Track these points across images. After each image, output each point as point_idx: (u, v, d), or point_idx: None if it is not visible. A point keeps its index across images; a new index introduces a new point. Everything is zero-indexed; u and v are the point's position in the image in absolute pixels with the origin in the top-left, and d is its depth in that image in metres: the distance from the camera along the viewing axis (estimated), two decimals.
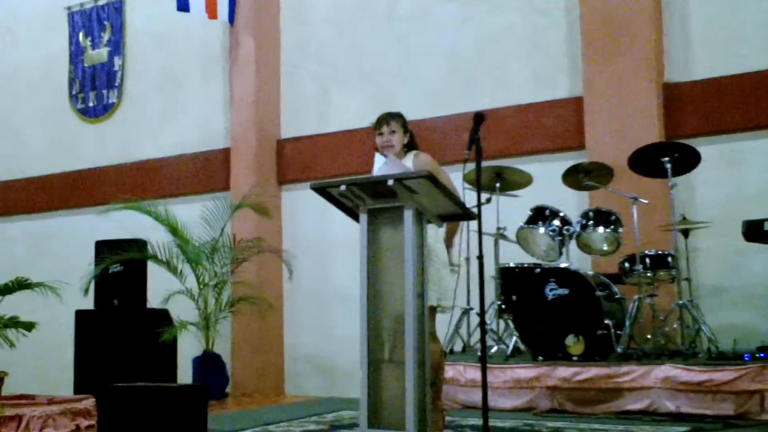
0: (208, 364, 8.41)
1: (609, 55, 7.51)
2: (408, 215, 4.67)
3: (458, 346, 7.24)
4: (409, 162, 5.11)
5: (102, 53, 10.90)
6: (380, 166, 5.06)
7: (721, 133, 7.20)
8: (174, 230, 8.60)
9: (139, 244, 8.35)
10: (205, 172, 9.89)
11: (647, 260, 6.43)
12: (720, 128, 7.20)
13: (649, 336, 6.50)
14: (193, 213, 8.81)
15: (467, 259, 7.06)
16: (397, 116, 5.26)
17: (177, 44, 10.26)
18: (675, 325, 6.47)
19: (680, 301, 6.35)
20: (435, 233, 5.02)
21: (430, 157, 5.23)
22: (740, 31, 7.27)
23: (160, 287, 8.40)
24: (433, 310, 4.95)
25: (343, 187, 4.74)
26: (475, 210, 4.86)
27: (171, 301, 8.32)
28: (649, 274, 6.43)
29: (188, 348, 8.56)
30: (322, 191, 4.92)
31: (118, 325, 8.10)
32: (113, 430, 5.35)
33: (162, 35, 10.39)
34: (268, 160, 9.43)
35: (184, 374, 8.45)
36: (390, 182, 4.59)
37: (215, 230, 8.62)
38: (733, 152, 7.17)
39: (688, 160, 6.54)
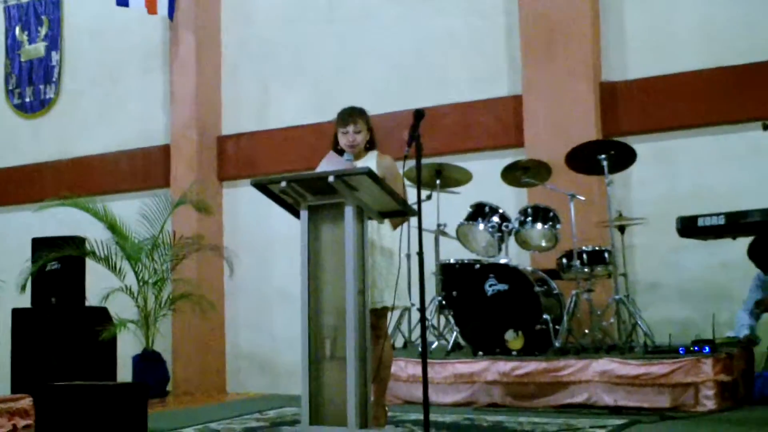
0: (148, 362, 8.34)
1: (547, 55, 7.61)
2: (349, 212, 4.69)
3: (399, 342, 7.27)
4: (372, 161, 5.04)
5: (39, 48, 10.73)
6: (321, 163, 5.06)
7: (656, 132, 7.34)
8: (113, 227, 8.51)
9: (76, 241, 8.24)
10: (144, 168, 9.79)
11: (584, 256, 6.53)
12: (655, 127, 7.34)
13: (586, 331, 6.60)
14: (132, 210, 8.73)
15: (408, 256, 7.11)
16: (362, 114, 5.17)
17: (115, 40, 10.14)
18: (612, 320, 6.58)
19: (617, 297, 6.45)
20: (390, 233, 5.03)
21: (391, 158, 5.19)
22: (674, 33, 7.42)
23: (99, 285, 8.31)
24: (389, 310, 4.96)
25: (283, 184, 4.75)
26: (415, 207, 4.90)
27: (110, 299, 8.22)
28: (586, 270, 6.53)
29: (128, 347, 8.48)
30: (263, 188, 4.92)
31: (56, 323, 7.98)
32: (51, 429, 5.29)
33: (100, 30, 10.26)
34: (209, 156, 9.37)
35: (124, 373, 8.36)
36: (331, 179, 4.61)
37: (155, 227, 8.54)
38: (668, 150, 7.32)
39: (624, 158, 6.65)
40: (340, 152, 5.10)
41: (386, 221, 5.00)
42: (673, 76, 7.32)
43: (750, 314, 6.38)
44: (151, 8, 9.25)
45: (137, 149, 9.83)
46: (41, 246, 8.29)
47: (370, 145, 5.17)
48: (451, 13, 8.36)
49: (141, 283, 8.38)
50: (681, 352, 5.89)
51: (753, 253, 6.15)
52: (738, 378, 6.07)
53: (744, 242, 5.93)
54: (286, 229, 7.84)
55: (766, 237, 5.89)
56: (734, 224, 4.87)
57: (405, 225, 6.12)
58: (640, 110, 7.41)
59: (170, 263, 8.55)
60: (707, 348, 5.82)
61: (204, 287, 8.77)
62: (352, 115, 5.14)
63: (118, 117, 10.04)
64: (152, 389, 7.59)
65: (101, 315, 8.04)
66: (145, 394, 5.54)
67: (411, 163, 4.82)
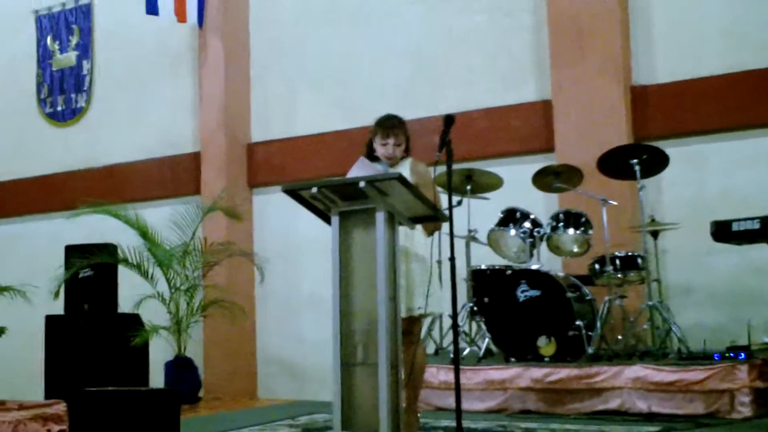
0: (180, 368, 8.38)
1: (576, 57, 7.57)
2: (380, 217, 4.68)
3: (431, 349, 7.25)
4: (406, 169, 5.01)
5: (70, 57, 10.82)
6: (352, 168, 5.05)
7: (687, 135, 7.27)
8: (144, 234, 8.56)
9: (109, 249, 8.29)
10: (174, 175, 9.84)
11: (617, 261, 6.47)
12: (686, 130, 7.27)
13: (619, 337, 6.54)
14: (162, 217, 8.79)
15: (439, 262, 7.07)
16: (403, 125, 5.08)
17: (145, 47, 10.21)
18: (645, 326, 6.53)
19: (650, 302, 6.40)
20: (423, 240, 5.00)
21: (425, 165, 5.15)
22: (704, 35, 7.35)
23: (131, 292, 8.36)
24: (422, 317, 4.96)
25: (314, 189, 4.74)
26: (446, 212, 4.88)
27: (142, 305, 8.27)
28: (619, 276, 6.48)
29: (160, 352, 8.52)
30: (294, 193, 4.92)
31: (89, 329, 8.04)
32: None
33: (130, 38, 10.33)
34: (239, 163, 9.41)
35: (156, 379, 8.40)
36: (362, 184, 4.60)
37: (186, 234, 8.59)
38: (698, 154, 7.25)
39: (656, 162, 6.59)
40: (374, 158, 5.06)
41: (419, 228, 4.97)
42: (703, 80, 7.25)
43: None
44: (181, 16, 9.31)
45: (167, 156, 9.89)
46: (74, 253, 8.35)
47: (405, 153, 5.11)
48: (477, 12, 8.32)
49: (173, 290, 8.43)
50: (716, 358, 5.83)
51: None
52: None
53: None
54: (315, 235, 7.85)
55: None
56: None
57: (436, 231, 6.12)
58: (670, 114, 7.35)
59: (201, 270, 8.58)
60: (742, 354, 5.76)
61: (235, 293, 8.80)
62: (393, 128, 5.03)
63: (148, 124, 10.11)
64: (184, 395, 7.62)
65: (133, 321, 8.08)
66: (178, 400, 5.55)
67: (441, 168, 4.81)
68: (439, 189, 6.36)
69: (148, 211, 9.20)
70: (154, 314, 8.35)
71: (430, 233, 5.04)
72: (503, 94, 8.08)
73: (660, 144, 6.80)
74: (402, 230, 4.84)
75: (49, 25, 11.02)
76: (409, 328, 4.87)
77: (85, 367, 7.76)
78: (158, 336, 8.17)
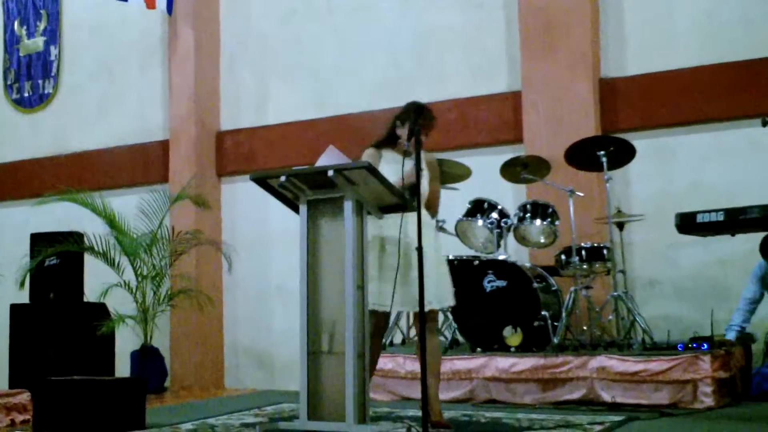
0: (147, 357, 8.34)
1: (546, 50, 7.60)
2: (348, 206, 4.69)
3: (398, 339, 7.27)
4: (422, 157, 4.87)
5: (38, 42, 10.71)
6: (321, 157, 5.04)
7: (655, 128, 7.34)
8: (111, 222, 8.51)
9: (75, 237, 8.22)
10: (143, 163, 9.79)
11: (583, 252, 6.51)
12: (653, 123, 7.34)
13: (585, 327, 6.59)
14: (130, 205, 8.73)
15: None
16: (433, 119, 5.12)
17: (114, 34, 10.13)
18: (610, 317, 6.59)
19: (615, 293, 6.45)
20: (434, 235, 5.12)
21: (433, 156, 5.27)
22: (673, 29, 7.41)
23: (98, 280, 8.29)
24: (435, 312, 5.09)
25: (283, 178, 4.75)
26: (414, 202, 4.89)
27: (108, 294, 8.21)
28: (585, 267, 6.52)
29: (126, 342, 8.48)
30: (262, 182, 4.91)
31: (55, 318, 7.98)
32: (49, 424, 5.29)
33: (99, 25, 10.25)
34: (208, 152, 9.37)
35: (122, 368, 8.36)
36: (330, 173, 4.60)
37: (153, 222, 8.54)
38: (666, 146, 7.32)
39: (623, 154, 6.64)
40: (390, 141, 5.14)
41: (428, 217, 5.08)
42: (672, 73, 7.31)
43: (743, 312, 6.38)
44: (150, 3, 9.24)
45: (136, 144, 9.83)
46: (40, 241, 8.28)
47: None
48: (449, 6, 8.35)
49: (139, 279, 8.38)
50: (679, 348, 5.89)
51: (765, 250, 6.18)
52: (736, 374, 6.07)
53: (743, 239, 5.92)
54: (284, 225, 7.85)
55: None
56: (733, 220, 4.86)
57: (403, 221, 6.12)
58: (638, 106, 7.41)
59: (169, 259, 8.54)
60: (705, 345, 5.82)
61: (202, 283, 8.78)
62: (433, 120, 5.10)
63: (117, 112, 10.04)
64: (150, 384, 7.60)
65: (99, 310, 8.04)
66: (143, 389, 5.54)
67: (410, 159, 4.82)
68: None
69: (115, 199, 9.14)
70: (120, 303, 8.30)
71: (434, 214, 5.27)
72: (474, 87, 8.11)
73: (628, 136, 6.85)
74: (428, 219, 4.99)
75: (17, 10, 10.90)
76: (431, 318, 4.98)
77: (51, 357, 7.71)
78: (125, 325, 8.13)
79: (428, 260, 4.76)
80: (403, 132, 5.05)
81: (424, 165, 4.94)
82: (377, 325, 5.03)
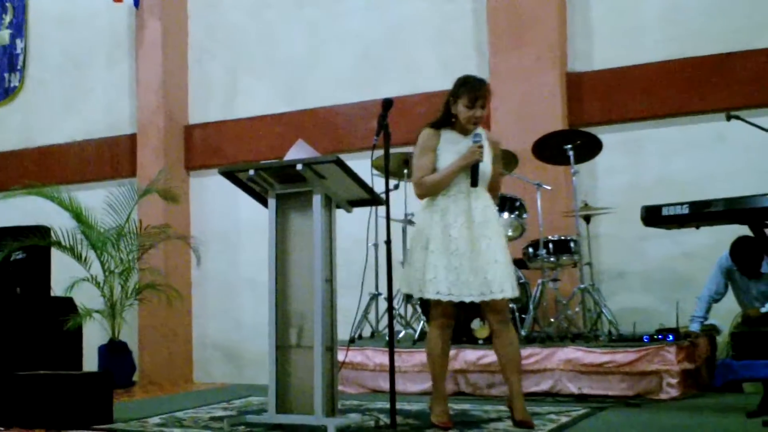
0: (114, 352, 8.29)
1: (514, 44, 7.64)
2: (317, 200, 4.70)
3: (367, 332, 7.29)
4: (485, 137, 4.87)
5: (3, 35, 10.60)
6: (290, 150, 5.04)
7: (622, 122, 7.41)
8: (78, 216, 8.44)
9: (41, 231, 8.15)
10: (110, 157, 9.73)
11: (550, 245, 6.57)
12: (620, 117, 7.42)
13: (552, 319, 6.64)
14: (98, 199, 8.67)
15: (375, 245, 7.13)
16: (489, 90, 4.84)
17: (81, 27, 10.05)
18: (577, 309, 6.64)
19: (582, 285, 6.51)
20: (497, 219, 4.84)
21: (497, 139, 5.06)
22: (640, 22, 7.48)
23: (65, 275, 8.24)
24: (507, 302, 4.79)
25: (251, 172, 4.75)
26: (383, 196, 4.91)
27: (76, 288, 8.14)
28: (552, 259, 6.57)
29: (94, 337, 8.43)
30: (231, 176, 4.92)
31: (21, 313, 7.90)
32: (15, 419, 5.26)
33: (66, 18, 10.17)
34: (176, 145, 9.33)
35: (90, 363, 8.31)
36: (299, 167, 4.61)
37: (121, 217, 8.49)
38: (633, 140, 7.40)
39: (590, 148, 6.69)
40: (446, 123, 4.88)
41: (492, 201, 4.85)
42: (639, 67, 7.39)
43: (706, 304, 6.45)
44: None
45: (103, 138, 9.78)
46: (5, 235, 8.18)
47: None
48: None
49: (107, 273, 8.33)
50: (645, 340, 5.96)
51: (734, 254, 6.26)
52: (701, 365, 6.15)
53: (708, 232, 5.99)
54: (253, 218, 7.85)
55: (747, 238, 5.97)
56: (698, 213, 4.91)
57: (372, 215, 6.13)
58: (606, 100, 7.48)
59: (136, 253, 8.50)
60: (671, 336, 5.89)
61: (171, 277, 8.75)
62: (481, 89, 4.77)
63: (84, 105, 9.97)
64: (118, 379, 7.56)
65: (66, 305, 7.97)
66: (111, 383, 5.52)
67: (379, 152, 4.83)
68: (376, 173, 6.40)
69: (83, 193, 9.09)
70: (88, 298, 8.23)
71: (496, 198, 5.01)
72: (443, 80, 8.07)
73: (596, 130, 6.92)
74: (490, 202, 4.80)
75: None
76: (504, 308, 4.78)
77: (17, 351, 7.63)
78: (92, 320, 8.07)
79: (494, 245, 4.65)
80: (457, 109, 4.79)
81: (486, 146, 4.81)
82: (444, 315, 4.79)
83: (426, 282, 4.65)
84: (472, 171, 4.71)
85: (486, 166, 4.77)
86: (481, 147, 4.70)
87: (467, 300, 4.61)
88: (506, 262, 4.69)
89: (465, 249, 4.63)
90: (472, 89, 4.75)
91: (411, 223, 7.23)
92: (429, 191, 4.78)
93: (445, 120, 4.87)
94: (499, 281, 4.61)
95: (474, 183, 4.70)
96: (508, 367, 4.76)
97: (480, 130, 4.85)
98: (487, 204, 4.77)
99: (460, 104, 4.76)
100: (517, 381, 4.76)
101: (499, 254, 4.66)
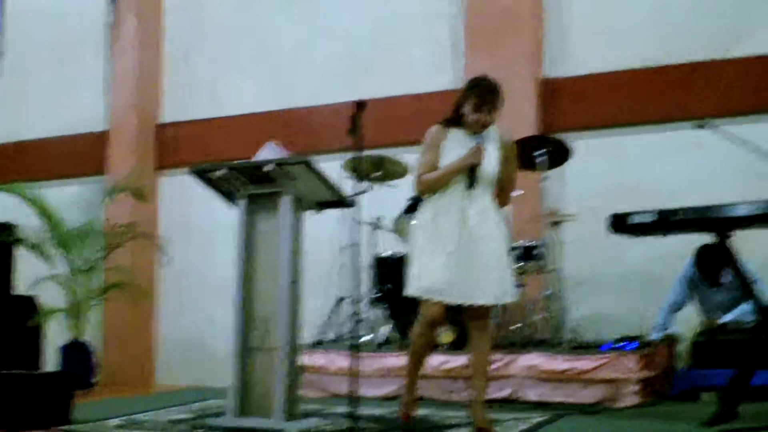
0: (77, 352, 8.20)
1: (490, 47, 7.64)
2: (286, 201, 4.70)
3: (332, 335, 7.28)
4: (493, 138, 4.78)
5: None
6: (260, 151, 5.03)
7: (593, 129, 7.44)
8: (44, 213, 8.37)
9: (5, 227, 8.08)
10: (81, 154, 9.63)
11: (518, 251, 6.59)
12: (591, 123, 7.45)
13: (517, 325, 6.66)
14: (68, 196, 8.63)
15: (344, 248, 7.12)
16: (500, 92, 4.73)
17: (57, 22, 9.96)
18: (542, 315, 6.66)
19: (547, 292, 6.54)
20: (498, 223, 4.76)
21: (510, 136, 4.95)
22: (614, 31, 7.52)
23: (31, 272, 8.16)
24: (490, 309, 4.76)
25: (221, 171, 4.75)
26: (353, 198, 4.91)
27: (41, 287, 8.08)
28: (519, 265, 6.59)
29: (58, 336, 8.36)
30: (201, 175, 4.91)
31: None
32: None
33: (41, 12, 10.07)
34: (147, 144, 9.28)
35: (53, 363, 8.24)
36: (269, 167, 4.60)
37: (89, 214, 8.42)
38: (603, 147, 7.41)
39: (560, 155, 6.72)
40: (456, 122, 4.79)
41: (494, 204, 4.79)
42: (611, 74, 7.43)
43: (668, 313, 6.51)
44: None
45: (74, 135, 9.67)
46: None
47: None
48: None
49: (72, 272, 8.26)
50: (606, 348, 5.99)
51: (699, 259, 6.32)
52: (661, 374, 6.20)
53: (675, 240, 6.04)
54: (222, 219, 7.78)
55: (710, 247, 6.02)
56: (665, 222, 4.95)
57: (341, 217, 6.14)
58: (580, 106, 7.51)
59: (103, 251, 8.43)
60: (632, 344, 5.93)
61: (137, 276, 8.68)
62: (491, 94, 4.69)
63: (57, 101, 9.87)
64: (80, 379, 7.49)
65: (28, 303, 7.90)
66: (71, 384, 5.47)
67: (350, 155, 4.82)
68: (347, 175, 6.38)
69: (52, 189, 9.00)
70: (53, 296, 8.18)
71: (501, 206, 4.89)
72: (425, 82, 8.11)
73: (567, 136, 6.94)
74: (492, 205, 4.73)
75: None
76: (484, 315, 4.73)
77: None
78: (55, 319, 8.01)
79: (486, 250, 4.60)
80: (466, 110, 4.70)
81: (497, 146, 4.76)
82: (431, 314, 4.67)
83: (413, 278, 4.65)
84: (470, 173, 4.67)
85: (488, 168, 4.70)
86: (481, 149, 4.65)
87: (453, 301, 4.58)
88: (498, 267, 4.64)
89: (455, 249, 4.58)
90: (480, 93, 4.68)
91: (380, 226, 7.24)
92: (427, 188, 4.75)
93: (455, 118, 4.80)
94: (483, 287, 4.58)
95: (471, 185, 4.66)
96: (476, 375, 4.75)
97: (493, 129, 4.79)
98: (485, 207, 4.69)
99: (468, 106, 4.69)
100: (482, 389, 4.75)
101: (490, 259, 4.61)
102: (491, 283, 4.59)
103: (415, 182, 4.82)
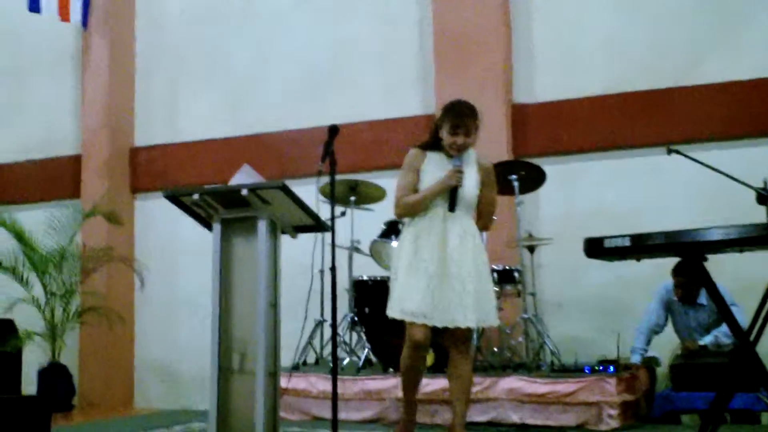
0: (54, 375, 8.17)
1: (459, 72, 7.69)
2: (262, 226, 4.68)
3: (311, 358, 7.26)
4: (472, 163, 4.83)
5: None
6: (235, 175, 5.01)
7: (563, 154, 7.53)
8: (20, 237, 8.32)
9: None
10: (53, 178, 9.59)
11: (495, 275, 6.59)
12: (562, 148, 7.54)
13: (495, 349, 6.67)
14: (40, 220, 8.57)
15: (321, 272, 7.11)
16: (475, 114, 4.75)
17: (26, 44, 9.93)
18: (520, 339, 6.68)
19: (525, 315, 6.56)
20: (475, 246, 4.74)
21: (491, 164, 4.98)
22: (581, 58, 7.62)
23: (5, 295, 8.10)
24: (470, 332, 4.75)
25: (196, 196, 4.72)
26: (329, 223, 4.91)
27: (16, 310, 8.03)
28: (496, 289, 6.60)
29: (35, 359, 8.29)
30: (175, 199, 4.88)
31: None
32: None
33: (10, 34, 10.02)
34: (121, 166, 9.24)
35: (30, 386, 8.17)
36: (244, 192, 4.59)
37: (64, 238, 8.38)
38: (575, 171, 7.51)
39: (534, 179, 6.77)
40: (434, 146, 4.82)
41: (475, 227, 4.80)
42: (580, 101, 7.53)
43: (647, 336, 6.53)
44: (64, 15, 9.09)
45: (46, 158, 9.63)
46: None
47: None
48: (363, 21, 8.44)
49: (48, 295, 8.21)
50: (586, 371, 6.01)
51: (675, 283, 6.37)
52: (641, 397, 6.22)
53: (648, 263, 6.07)
54: (198, 242, 7.72)
55: (685, 266, 6.07)
56: (639, 246, 4.97)
57: (318, 241, 6.13)
58: (548, 132, 7.60)
59: (79, 275, 8.39)
60: (611, 368, 5.96)
61: (113, 300, 8.64)
62: (465, 116, 4.72)
63: (27, 124, 9.82)
64: (57, 403, 7.44)
65: (6, 327, 7.84)
66: (49, 407, 5.42)
67: (326, 179, 4.83)
68: (322, 199, 6.39)
69: (24, 213, 8.97)
70: (28, 320, 8.12)
71: (482, 229, 4.92)
72: (388, 107, 8.16)
73: (538, 161, 6.99)
74: (471, 229, 4.73)
75: None
76: (465, 338, 4.73)
77: None
78: (32, 342, 7.95)
79: (465, 272, 4.60)
80: (443, 134, 4.75)
81: (474, 169, 4.79)
82: (415, 337, 4.66)
83: (395, 301, 4.66)
84: (450, 195, 4.69)
85: (468, 191, 4.73)
86: (460, 172, 4.67)
87: (434, 324, 4.59)
88: (479, 290, 4.64)
89: (435, 272, 4.59)
90: (454, 116, 4.71)
91: (357, 250, 7.25)
92: (406, 211, 4.79)
93: (433, 142, 4.84)
94: (464, 310, 4.57)
95: (451, 208, 4.68)
96: (457, 398, 4.75)
97: (471, 153, 4.82)
98: (466, 229, 4.70)
99: (444, 130, 4.74)
100: (462, 412, 4.74)
101: (469, 282, 4.61)
102: (472, 306, 4.60)
103: (394, 205, 4.84)
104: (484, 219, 4.89)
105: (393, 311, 4.68)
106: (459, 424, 4.71)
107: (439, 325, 4.59)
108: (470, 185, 4.75)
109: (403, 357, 4.83)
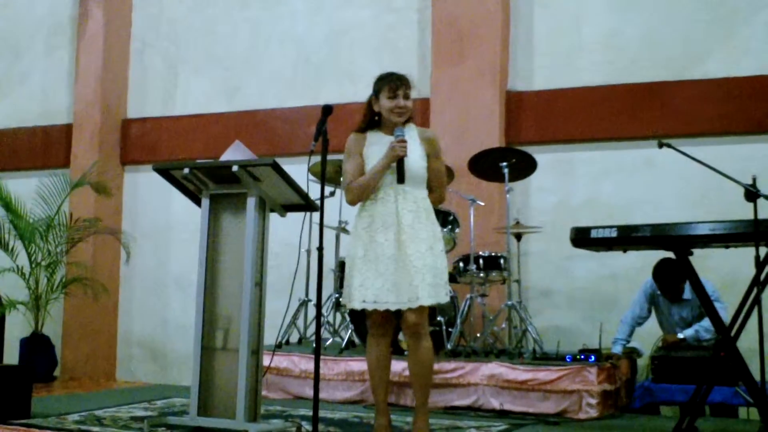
0: (36, 345, 8.16)
1: (456, 59, 7.70)
2: (251, 203, 4.68)
3: (295, 337, 7.28)
4: (414, 135, 4.75)
5: None
6: (227, 151, 5.01)
7: (557, 143, 7.53)
8: (7, 205, 8.30)
9: None
10: (44, 146, 9.55)
11: (481, 261, 6.62)
12: (555, 138, 7.53)
13: (479, 335, 6.70)
14: (29, 189, 8.55)
15: (308, 251, 7.12)
16: (409, 80, 4.73)
17: (21, 12, 9.87)
18: (503, 325, 6.72)
19: (509, 302, 6.59)
20: (428, 221, 4.67)
21: (434, 133, 4.94)
22: (580, 47, 7.60)
23: None
24: (425, 310, 4.59)
25: (186, 170, 4.72)
26: (318, 202, 4.91)
27: (0, 279, 8.01)
28: (481, 275, 6.63)
29: (18, 329, 8.29)
30: (166, 173, 4.88)
31: None
32: None
33: (5, 2, 9.96)
34: (112, 139, 9.20)
35: (12, 355, 8.16)
36: (234, 168, 4.59)
37: (52, 208, 8.37)
38: (566, 161, 7.52)
39: (525, 167, 6.78)
40: (372, 125, 4.81)
41: (428, 201, 4.74)
42: (576, 90, 7.51)
43: (629, 327, 6.56)
44: None
45: (38, 126, 9.59)
46: None
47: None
48: (363, 6, 8.41)
49: (33, 265, 8.20)
50: (567, 359, 6.04)
51: (657, 275, 6.40)
52: (621, 387, 6.25)
53: (634, 255, 6.12)
54: (186, 217, 7.82)
55: (670, 261, 6.09)
56: (626, 237, 5.00)
57: (306, 221, 6.13)
58: (542, 120, 7.58)
59: (65, 245, 8.37)
60: (593, 357, 5.99)
61: (99, 271, 8.63)
62: (401, 79, 4.70)
63: (20, 92, 9.78)
64: (39, 373, 7.43)
65: None
66: (30, 377, 5.42)
67: (316, 158, 4.83)
68: (312, 179, 6.39)
69: (13, 181, 8.92)
70: (12, 289, 8.11)
71: (436, 202, 4.85)
72: None
73: (531, 149, 6.99)
74: (425, 204, 4.69)
75: None
76: (416, 320, 4.56)
77: None
78: (16, 312, 7.94)
79: (417, 249, 4.52)
80: (380, 105, 4.72)
81: (417, 142, 4.72)
82: (376, 325, 4.68)
83: (353, 290, 4.62)
84: (397, 167, 4.61)
85: (415, 162, 4.66)
86: (403, 141, 4.59)
87: (390, 308, 4.55)
88: (427, 267, 4.54)
89: (392, 254, 4.54)
90: (391, 80, 4.70)
91: (345, 231, 7.25)
92: (357, 195, 4.72)
93: (370, 122, 4.82)
94: (414, 290, 4.49)
95: (400, 179, 4.60)
96: (414, 384, 4.74)
97: (410, 126, 4.78)
98: (419, 204, 4.64)
99: (383, 98, 4.71)
100: (422, 398, 4.70)
101: (418, 260, 4.52)
102: (423, 284, 4.51)
103: (345, 192, 4.80)
104: (436, 192, 4.82)
105: (353, 302, 4.61)
106: (418, 413, 4.69)
107: (394, 308, 4.53)
108: (415, 157, 4.67)
109: (367, 351, 4.82)
